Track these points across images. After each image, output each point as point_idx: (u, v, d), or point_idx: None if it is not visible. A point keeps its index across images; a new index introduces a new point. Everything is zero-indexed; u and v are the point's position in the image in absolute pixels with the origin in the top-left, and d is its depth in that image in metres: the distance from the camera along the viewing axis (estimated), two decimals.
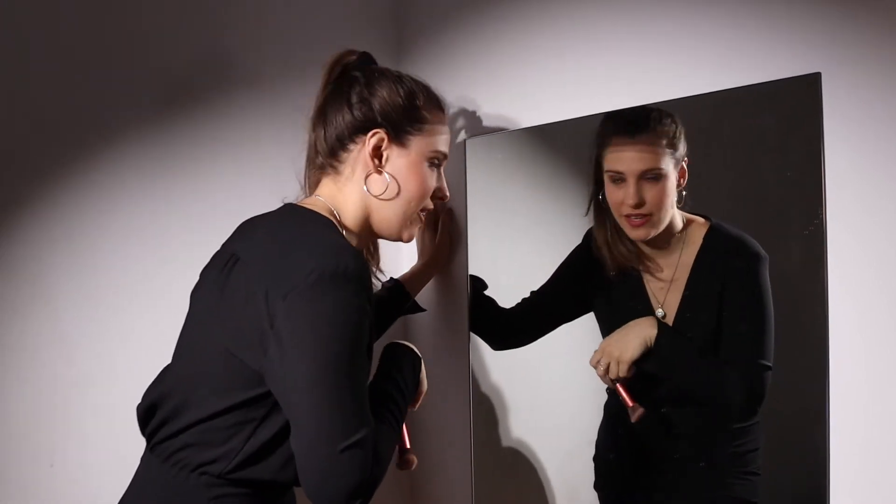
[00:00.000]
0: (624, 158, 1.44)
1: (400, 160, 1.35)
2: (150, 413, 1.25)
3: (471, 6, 1.74)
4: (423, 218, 1.42)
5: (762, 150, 1.31)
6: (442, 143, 1.40)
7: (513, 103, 1.66)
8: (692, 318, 1.41)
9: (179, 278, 1.42)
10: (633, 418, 1.42)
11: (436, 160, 1.39)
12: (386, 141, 1.33)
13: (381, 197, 1.34)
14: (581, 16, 1.53)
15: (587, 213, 1.52)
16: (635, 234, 1.45)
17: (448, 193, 1.44)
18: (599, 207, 1.50)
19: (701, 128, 1.37)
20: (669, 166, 1.40)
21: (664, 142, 1.40)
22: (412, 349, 1.43)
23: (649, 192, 1.41)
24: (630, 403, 1.43)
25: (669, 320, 1.43)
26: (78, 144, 1.47)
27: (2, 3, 1.39)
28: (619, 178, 1.44)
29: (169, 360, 1.33)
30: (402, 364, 1.38)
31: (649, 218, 1.42)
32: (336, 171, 1.35)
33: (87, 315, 1.48)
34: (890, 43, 1.15)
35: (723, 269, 1.38)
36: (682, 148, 1.39)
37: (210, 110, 1.61)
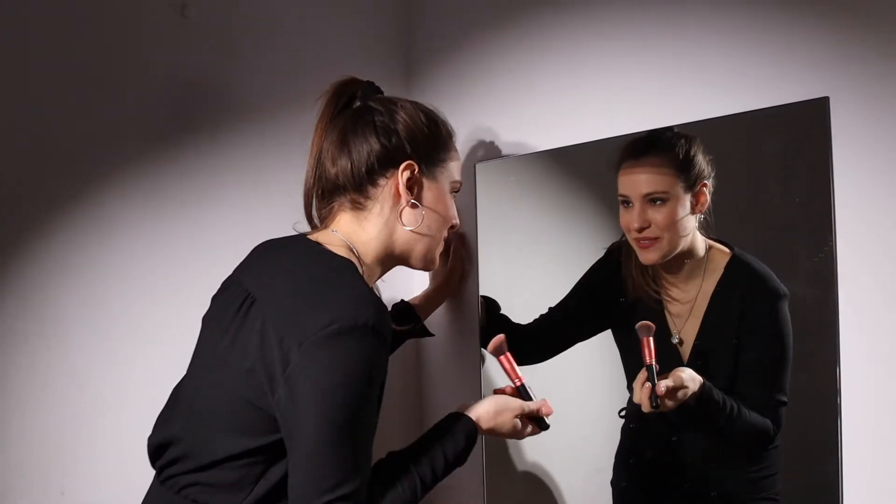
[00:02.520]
0: (629, 182, 1.43)
1: (429, 192, 1.34)
2: (163, 449, 1.25)
3: (480, 30, 1.75)
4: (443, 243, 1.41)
5: (770, 176, 1.29)
6: (459, 171, 1.40)
7: (522, 128, 1.66)
8: (709, 348, 1.39)
9: (189, 306, 1.42)
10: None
11: (455, 189, 1.39)
12: (416, 172, 1.31)
13: (415, 230, 1.32)
14: (591, 41, 1.53)
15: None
16: (644, 257, 1.43)
17: (458, 221, 1.44)
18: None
19: (708, 153, 1.35)
20: (677, 189, 1.38)
21: (672, 164, 1.38)
22: (470, 421, 1.32)
23: (655, 216, 1.39)
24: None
25: (686, 348, 1.41)
26: (86, 172, 1.49)
27: (9, 24, 1.41)
28: (626, 202, 1.44)
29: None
30: (452, 434, 1.29)
31: (657, 241, 1.40)
32: (361, 206, 1.31)
33: (97, 342, 1.49)
34: None
35: (741, 303, 1.35)
36: (697, 170, 1.36)
37: (219, 140, 1.63)
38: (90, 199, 1.49)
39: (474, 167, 1.73)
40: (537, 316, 1.65)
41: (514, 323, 1.69)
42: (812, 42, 1.22)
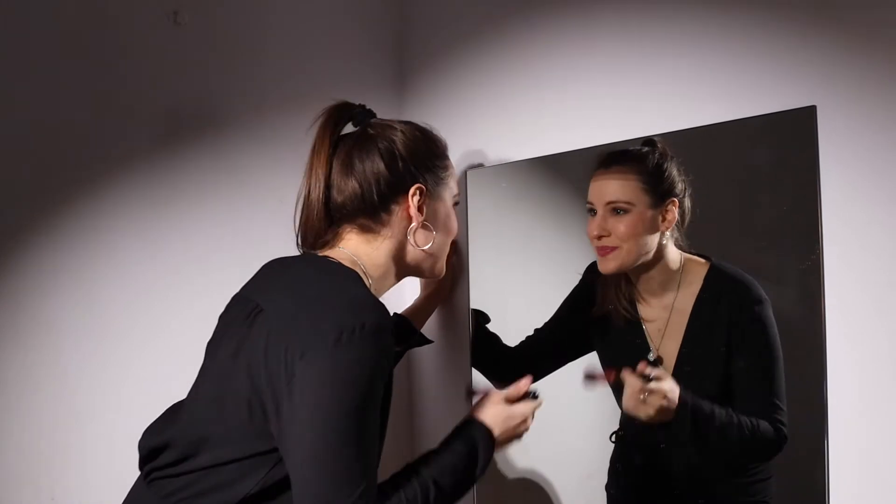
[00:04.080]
0: (596, 190, 1.44)
1: (438, 210, 1.36)
2: (156, 453, 1.24)
3: (472, 39, 1.76)
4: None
5: (757, 184, 1.30)
6: (456, 183, 1.42)
7: (514, 135, 1.67)
8: (695, 363, 1.38)
9: (181, 311, 1.43)
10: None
11: (455, 202, 1.41)
12: (425, 193, 1.33)
13: (426, 249, 1.34)
14: (581, 51, 1.54)
15: None
16: (602, 265, 1.43)
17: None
18: None
19: (695, 161, 1.36)
20: (641, 202, 1.38)
21: (639, 176, 1.38)
22: (486, 429, 1.31)
23: (616, 225, 1.40)
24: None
25: (668, 366, 1.40)
26: (79, 177, 1.50)
27: (6, 33, 1.41)
28: (591, 210, 1.45)
29: (170, 392, 1.34)
30: (466, 441, 1.29)
31: (615, 250, 1.41)
32: (370, 230, 1.31)
33: (89, 346, 1.49)
34: (884, 76, 1.15)
35: (728, 312, 1.34)
36: (667, 186, 1.37)
37: (211, 146, 1.64)
38: (83, 203, 1.49)
39: (465, 174, 1.74)
40: (524, 337, 1.65)
41: (502, 344, 1.69)
42: (799, 51, 1.23)
